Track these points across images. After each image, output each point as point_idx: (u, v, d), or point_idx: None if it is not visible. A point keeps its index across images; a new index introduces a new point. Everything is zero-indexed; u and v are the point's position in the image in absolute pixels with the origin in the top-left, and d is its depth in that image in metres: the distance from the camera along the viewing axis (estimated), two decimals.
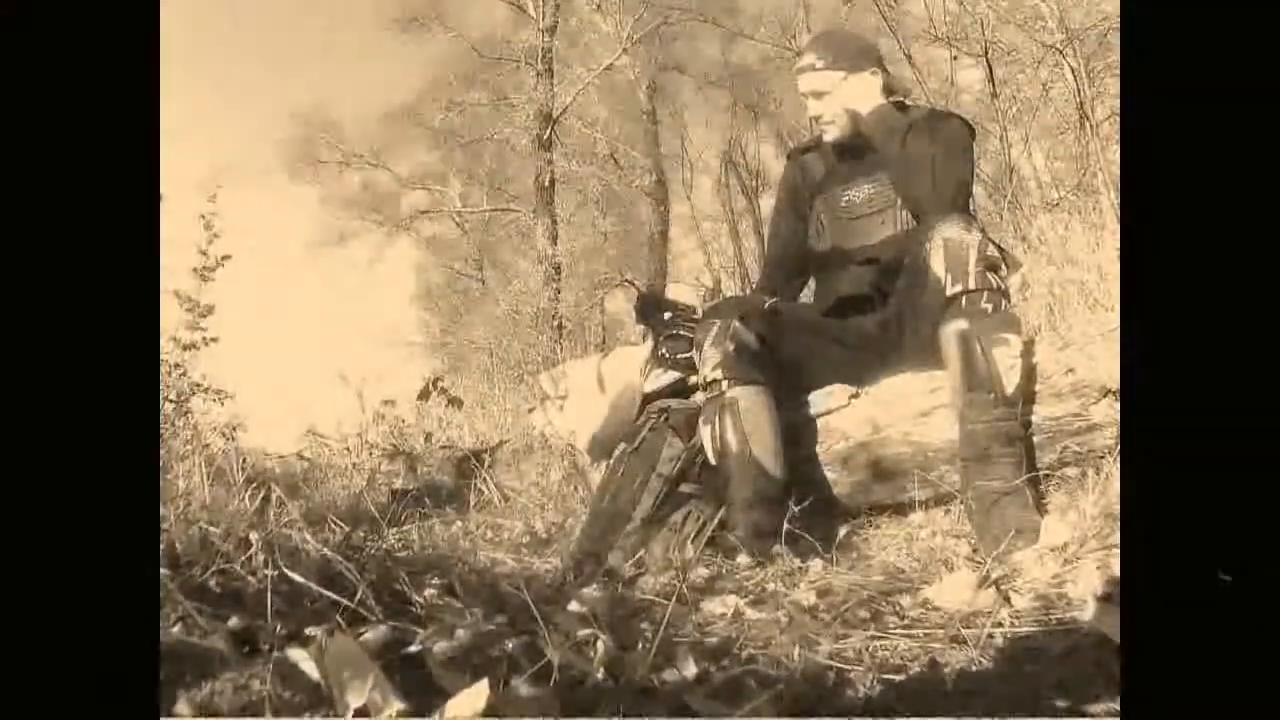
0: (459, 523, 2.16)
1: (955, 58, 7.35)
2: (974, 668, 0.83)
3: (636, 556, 1.47)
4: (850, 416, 1.68)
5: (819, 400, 1.72)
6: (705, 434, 1.59)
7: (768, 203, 12.81)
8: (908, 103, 1.83)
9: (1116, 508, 1.18)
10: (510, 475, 2.74)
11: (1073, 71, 5.61)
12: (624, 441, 1.70)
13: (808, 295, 2.03)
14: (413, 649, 0.68)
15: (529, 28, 11.34)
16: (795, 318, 1.75)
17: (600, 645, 0.72)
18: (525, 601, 0.78)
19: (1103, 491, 1.32)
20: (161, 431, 2.53)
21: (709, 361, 1.59)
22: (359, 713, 0.56)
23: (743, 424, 1.53)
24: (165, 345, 2.97)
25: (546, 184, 10.92)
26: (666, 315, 1.86)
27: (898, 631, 0.94)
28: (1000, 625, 0.92)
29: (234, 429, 3.27)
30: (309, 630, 0.66)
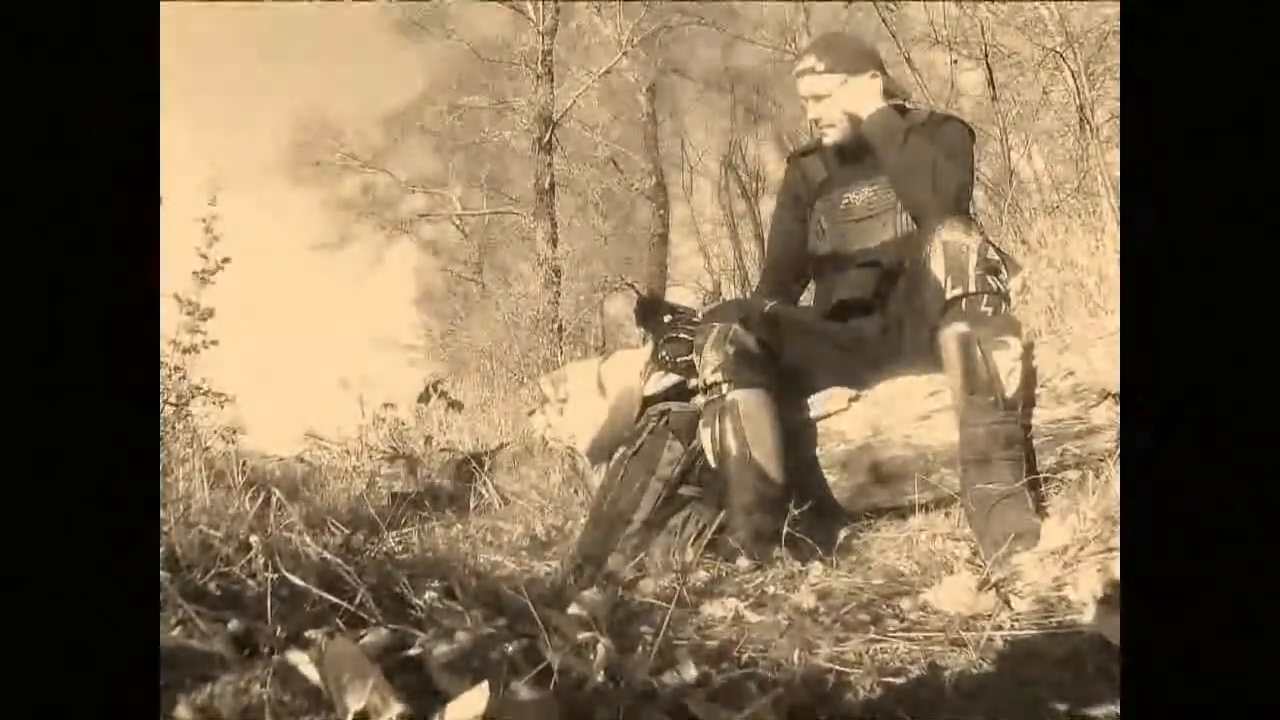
0: (459, 526, 2.16)
1: (955, 61, 7.37)
2: (974, 671, 0.83)
3: (637, 559, 1.46)
4: (850, 419, 1.68)
5: (819, 403, 1.72)
6: (705, 437, 1.59)
7: (767, 206, 12.85)
8: (908, 106, 1.83)
9: (1116, 511, 1.18)
10: (510, 478, 2.74)
11: (1073, 75, 5.62)
12: (624, 445, 1.70)
13: (808, 298, 2.03)
14: (413, 652, 0.67)
15: (529, 31, 11.35)
16: (795, 321, 1.76)
17: (600, 648, 0.72)
18: (525, 604, 0.78)
19: (1103, 494, 1.32)
20: (162, 435, 2.53)
21: (709, 365, 1.59)
22: (359, 716, 0.56)
23: (743, 427, 1.54)
24: (165, 348, 2.97)
25: (546, 187, 10.92)
26: (666, 318, 1.86)
27: (898, 634, 0.94)
28: (1000, 628, 0.92)
29: (234, 432, 3.27)
30: (309, 633, 0.66)
